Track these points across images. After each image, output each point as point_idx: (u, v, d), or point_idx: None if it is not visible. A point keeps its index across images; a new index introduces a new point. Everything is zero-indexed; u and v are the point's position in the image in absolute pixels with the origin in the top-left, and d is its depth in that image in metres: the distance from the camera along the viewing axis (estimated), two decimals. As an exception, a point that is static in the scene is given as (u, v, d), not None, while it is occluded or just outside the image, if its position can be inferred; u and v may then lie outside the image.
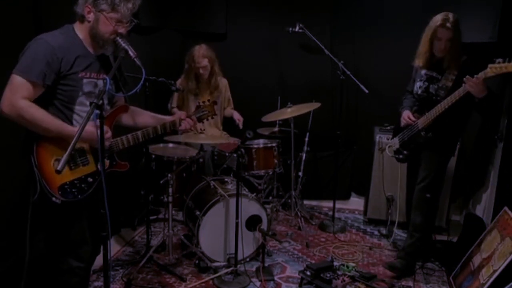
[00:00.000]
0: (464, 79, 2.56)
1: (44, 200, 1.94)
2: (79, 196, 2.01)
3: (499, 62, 2.42)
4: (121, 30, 1.99)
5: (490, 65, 2.45)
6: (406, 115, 2.98)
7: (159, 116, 2.37)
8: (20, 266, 2.15)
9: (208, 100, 2.56)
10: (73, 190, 1.99)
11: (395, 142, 3.15)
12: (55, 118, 1.91)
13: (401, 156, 3.11)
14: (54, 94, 1.95)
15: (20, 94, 1.83)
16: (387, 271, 3.01)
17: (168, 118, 2.35)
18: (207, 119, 2.56)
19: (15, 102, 1.83)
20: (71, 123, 1.99)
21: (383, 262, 3.19)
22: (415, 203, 2.99)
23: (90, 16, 1.97)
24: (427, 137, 2.87)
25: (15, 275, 2.25)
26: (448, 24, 2.66)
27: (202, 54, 3.58)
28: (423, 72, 2.91)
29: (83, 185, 2.02)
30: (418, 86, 2.95)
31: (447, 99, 2.70)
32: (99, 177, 2.03)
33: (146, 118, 2.34)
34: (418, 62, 2.90)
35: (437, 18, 2.72)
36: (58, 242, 2.12)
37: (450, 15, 2.69)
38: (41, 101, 1.91)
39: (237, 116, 3.83)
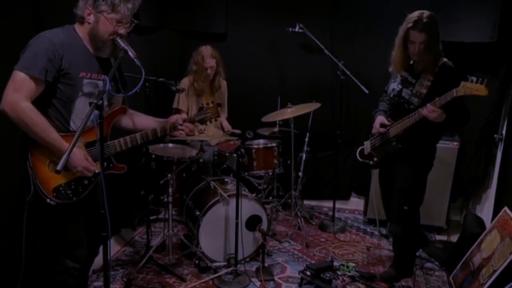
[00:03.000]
0: (424, 107, 2.48)
1: (39, 201, 1.94)
2: (74, 198, 2.00)
3: (472, 81, 2.29)
4: (121, 30, 1.99)
5: (462, 83, 2.32)
6: (379, 121, 2.80)
7: (159, 119, 2.35)
8: (17, 267, 2.14)
9: (212, 102, 2.53)
10: (68, 192, 1.99)
11: (367, 146, 2.99)
12: (52, 129, 1.90)
13: (371, 162, 2.96)
14: (54, 93, 1.94)
15: (23, 93, 1.82)
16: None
17: (167, 120, 2.34)
18: (210, 121, 2.50)
19: (18, 102, 1.81)
20: (68, 124, 1.99)
21: (383, 262, 3.19)
22: (393, 215, 2.89)
23: (90, 18, 1.97)
24: (397, 148, 2.73)
25: (12, 275, 2.25)
26: (421, 26, 2.43)
27: (210, 54, 3.62)
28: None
29: (78, 187, 2.02)
30: (391, 88, 2.77)
31: (410, 116, 2.58)
32: (95, 179, 2.03)
33: (146, 121, 2.31)
34: (394, 68, 2.72)
35: (410, 19, 2.49)
36: (53, 243, 2.11)
37: (425, 15, 2.45)
38: (41, 100, 1.90)
39: (226, 126, 3.83)
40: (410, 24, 2.48)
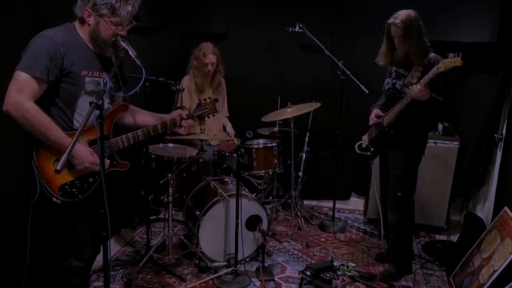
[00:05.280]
0: (411, 89, 2.65)
1: (45, 200, 1.94)
2: (80, 196, 2.01)
3: (450, 57, 2.49)
4: (122, 32, 1.99)
5: (441, 60, 2.52)
6: (374, 114, 3.00)
7: (160, 115, 2.37)
8: (21, 266, 2.15)
9: (209, 98, 2.54)
10: (74, 190, 1.99)
11: (365, 139, 3.14)
12: (57, 127, 1.91)
13: (368, 153, 3.10)
14: (56, 92, 1.94)
15: (26, 94, 1.82)
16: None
17: (168, 116, 2.35)
18: (208, 117, 2.53)
19: (22, 103, 1.81)
20: (71, 123, 2.00)
21: (383, 262, 3.20)
22: (389, 203, 3.00)
23: (91, 20, 1.97)
24: (389, 134, 2.88)
25: (16, 274, 2.25)
26: (397, 21, 2.69)
27: (212, 51, 3.65)
28: (393, 69, 2.94)
29: (83, 185, 2.02)
30: (386, 82, 2.97)
31: (401, 100, 2.75)
32: (100, 176, 2.03)
33: (146, 117, 2.34)
34: (380, 61, 2.94)
35: (390, 18, 2.76)
36: (58, 242, 2.12)
37: (404, 12, 2.71)
38: (43, 99, 1.90)
39: (230, 130, 3.87)
40: (390, 20, 2.76)
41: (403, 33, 2.71)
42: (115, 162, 2.16)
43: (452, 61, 2.48)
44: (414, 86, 2.64)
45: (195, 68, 3.69)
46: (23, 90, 1.82)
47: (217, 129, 3.87)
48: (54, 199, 1.94)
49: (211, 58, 3.63)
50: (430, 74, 2.57)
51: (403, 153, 2.87)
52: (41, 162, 1.93)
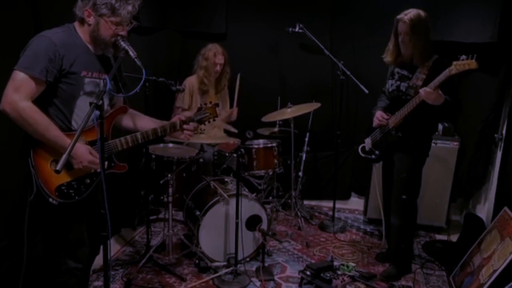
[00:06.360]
0: (421, 90, 2.60)
1: (42, 200, 1.94)
2: (76, 197, 2.01)
3: (463, 59, 2.44)
4: (122, 32, 1.99)
5: (454, 62, 2.46)
6: (379, 115, 2.96)
7: (160, 121, 2.35)
8: (18, 267, 2.14)
9: (210, 102, 2.54)
10: (70, 191, 1.99)
11: (368, 142, 3.11)
12: (54, 127, 1.90)
13: (373, 156, 3.06)
14: (55, 92, 1.94)
15: (23, 93, 1.82)
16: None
17: (169, 122, 2.34)
18: (209, 121, 2.53)
19: (18, 102, 1.81)
20: (70, 123, 1.99)
21: (382, 264, 3.20)
22: (393, 206, 2.99)
23: (91, 20, 1.97)
24: (396, 136, 2.85)
25: (14, 275, 2.25)
26: (406, 18, 2.66)
27: (221, 51, 3.68)
28: (396, 70, 2.90)
29: (80, 186, 2.02)
30: (390, 84, 2.94)
31: (409, 102, 2.71)
32: (97, 178, 2.04)
33: (146, 122, 2.31)
34: (386, 57, 2.90)
35: (401, 13, 2.73)
36: (56, 243, 2.11)
37: (412, 10, 2.69)
38: (42, 99, 1.90)
39: (234, 114, 3.88)
40: (400, 16, 2.72)
41: (409, 31, 2.67)
42: (112, 164, 2.15)
43: (467, 63, 2.41)
44: (425, 88, 2.57)
45: (205, 69, 3.67)
46: (20, 89, 1.82)
47: (217, 128, 3.87)
48: (50, 199, 1.94)
49: (221, 59, 3.66)
50: (442, 77, 2.50)
51: (409, 156, 2.83)
52: (38, 162, 1.93)
